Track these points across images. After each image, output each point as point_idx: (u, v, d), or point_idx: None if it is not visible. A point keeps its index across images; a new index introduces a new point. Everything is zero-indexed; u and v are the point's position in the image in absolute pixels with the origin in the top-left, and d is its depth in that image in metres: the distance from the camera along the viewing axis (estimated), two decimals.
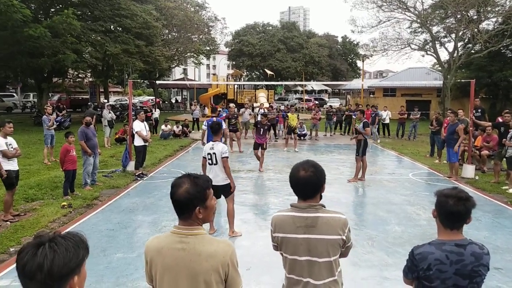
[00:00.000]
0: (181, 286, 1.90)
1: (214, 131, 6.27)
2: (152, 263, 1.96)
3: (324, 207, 2.37)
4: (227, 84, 30.66)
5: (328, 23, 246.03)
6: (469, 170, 10.66)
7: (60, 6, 24.09)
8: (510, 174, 9.15)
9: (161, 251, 1.94)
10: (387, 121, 20.17)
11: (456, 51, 25.33)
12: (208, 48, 45.44)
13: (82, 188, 8.90)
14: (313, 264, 2.30)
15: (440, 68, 28.68)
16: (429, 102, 33.09)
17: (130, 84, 12.22)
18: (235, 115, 15.49)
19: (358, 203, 8.59)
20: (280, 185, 9.64)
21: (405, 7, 25.60)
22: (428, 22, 25.81)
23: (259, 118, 17.88)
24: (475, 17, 24.07)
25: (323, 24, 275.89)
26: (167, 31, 38.05)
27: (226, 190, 6.02)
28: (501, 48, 24.92)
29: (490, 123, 11.49)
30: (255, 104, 26.77)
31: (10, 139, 6.92)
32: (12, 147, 6.88)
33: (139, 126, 10.30)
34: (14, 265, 1.36)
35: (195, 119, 21.89)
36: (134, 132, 10.38)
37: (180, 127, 19.34)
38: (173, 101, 49.60)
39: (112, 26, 25.70)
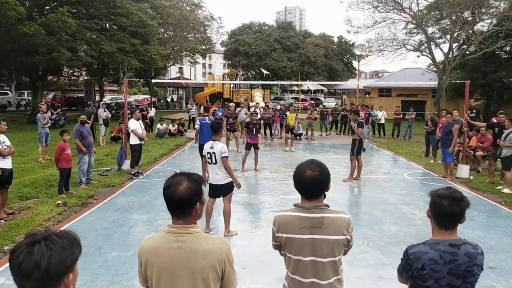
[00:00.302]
0: (179, 285, 1.90)
1: (214, 130, 6.27)
2: (147, 264, 1.95)
3: (328, 207, 2.37)
4: (223, 84, 30.64)
5: (324, 23, 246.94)
6: (463, 170, 10.72)
7: (55, 3, 23.95)
8: (504, 174, 9.21)
9: (156, 251, 1.93)
10: (383, 121, 20.27)
11: (451, 52, 25.46)
12: (204, 47, 45.32)
13: (77, 186, 8.86)
14: (318, 264, 2.29)
15: (435, 68, 28.80)
16: (424, 102, 33.26)
17: (125, 82, 12.17)
18: (234, 115, 15.46)
19: (353, 203, 8.62)
20: (275, 184, 9.66)
21: (400, 8, 25.69)
22: (424, 23, 25.92)
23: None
24: (470, 18, 24.20)
25: (319, 24, 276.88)
26: (162, 30, 37.93)
27: (225, 190, 6.02)
28: (496, 50, 25.10)
29: (484, 124, 11.57)
30: (251, 104, 26.75)
31: (3, 137, 6.88)
32: (5, 145, 6.84)
33: (135, 125, 10.27)
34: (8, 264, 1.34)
35: (191, 118, 21.86)
36: (129, 131, 10.35)
37: (176, 126, 19.30)
38: (169, 100, 49.48)
39: (107, 25, 25.59)
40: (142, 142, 10.58)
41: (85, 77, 35.11)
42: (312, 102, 34.41)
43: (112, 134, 16.24)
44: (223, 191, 6.03)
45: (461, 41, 26.78)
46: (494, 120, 10.96)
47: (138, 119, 10.53)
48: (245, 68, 54.45)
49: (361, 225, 6.74)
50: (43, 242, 1.31)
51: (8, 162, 6.87)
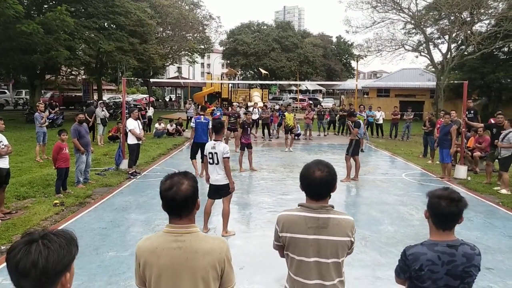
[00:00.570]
0: (179, 285, 1.90)
1: (217, 131, 6.26)
2: (146, 265, 1.93)
3: (333, 207, 2.36)
4: (221, 83, 30.62)
5: (322, 23, 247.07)
6: (461, 171, 10.74)
7: (53, 2, 23.90)
8: (502, 175, 9.23)
9: (155, 252, 1.92)
10: (381, 121, 20.27)
11: (449, 53, 25.54)
12: (202, 46, 45.33)
13: (74, 186, 8.83)
14: (322, 265, 2.28)
15: (433, 69, 28.90)
16: (423, 103, 33.30)
17: (123, 82, 12.14)
18: (236, 115, 15.44)
19: (351, 203, 8.62)
20: (274, 184, 9.65)
21: (399, 8, 25.76)
22: (422, 23, 26.00)
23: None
24: (468, 19, 24.28)
25: (318, 24, 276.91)
26: (161, 29, 37.90)
27: (225, 190, 6.01)
28: (494, 50, 25.17)
29: (482, 124, 11.59)
30: (249, 103, 26.75)
31: (0, 136, 6.86)
32: (3, 144, 6.81)
33: (133, 124, 10.24)
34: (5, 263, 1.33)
35: (189, 117, 21.81)
36: (127, 130, 10.33)
37: (174, 125, 19.28)
38: (167, 99, 49.42)
39: (106, 23, 25.55)
40: (140, 142, 10.56)
41: (83, 76, 35.03)
42: (310, 102, 34.44)
43: (110, 134, 16.21)
44: (224, 191, 6.01)
45: (460, 42, 26.86)
46: (492, 121, 10.98)
47: (136, 119, 10.50)
48: (244, 67, 54.41)
49: (359, 226, 6.71)
50: (40, 241, 1.31)
51: (5, 161, 6.84)
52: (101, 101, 19.53)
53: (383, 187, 9.65)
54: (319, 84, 56.70)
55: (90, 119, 15.54)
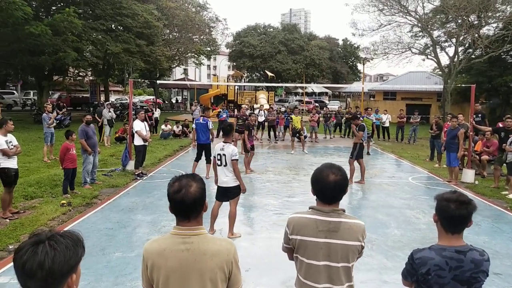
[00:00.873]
0: (187, 287, 1.90)
1: (226, 133, 6.26)
2: (154, 267, 1.94)
3: (345, 211, 2.35)
4: (227, 85, 30.67)
5: (329, 26, 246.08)
6: (469, 175, 10.66)
7: (62, 4, 24.11)
8: (510, 179, 9.16)
9: (163, 254, 1.92)
10: (387, 124, 20.18)
11: (456, 56, 25.37)
12: (209, 48, 45.47)
13: (81, 186, 8.89)
14: (332, 269, 2.27)
15: (440, 72, 28.70)
16: (429, 106, 33.09)
17: (130, 83, 12.22)
18: (244, 117, 15.45)
19: (357, 206, 8.58)
20: (279, 186, 9.65)
21: (406, 11, 25.64)
22: (429, 26, 25.87)
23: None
24: (475, 22, 24.13)
25: (324, 27, 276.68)
26: (168, 31, 38.07)
27: (233, 192, 6.00)
28: (502, 54, 24.94)
29: (490, 128, 11.51)
30: (255, 106, 26.79)
31: (10, 137, 6.92)
32: (12, 145, 6.88)
33: (139, 126, 10.29)
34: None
35: (194, 119, 21.86)
36: (134, 132, 10.39)
37: (180, 127, 19.35)
38: (174, 101, 49.59)
39: (113, 25, 25.71)
40: (147, 143, 10.61)
41: (91, 78, 35.28)
42: (317, 104, 34.39)
43: (117, 135, 16.31)
44: (232, 193, 6.00)
45: (467, 45, 26.66)
46: (500, 125, 10.90)
47: (142, 120, 10.56)
48: (250, 70, 54.50)
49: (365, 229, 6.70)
50: (47, 242, 1.32)
51: (13, 162, 6.90)
52: (108, 102, 19.65)
53: (390, 190, 9.61)
54: (325, 87, 56.51)
55: (99, 120, 15.70)
